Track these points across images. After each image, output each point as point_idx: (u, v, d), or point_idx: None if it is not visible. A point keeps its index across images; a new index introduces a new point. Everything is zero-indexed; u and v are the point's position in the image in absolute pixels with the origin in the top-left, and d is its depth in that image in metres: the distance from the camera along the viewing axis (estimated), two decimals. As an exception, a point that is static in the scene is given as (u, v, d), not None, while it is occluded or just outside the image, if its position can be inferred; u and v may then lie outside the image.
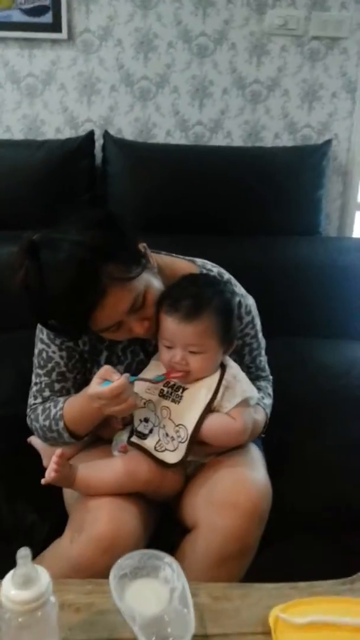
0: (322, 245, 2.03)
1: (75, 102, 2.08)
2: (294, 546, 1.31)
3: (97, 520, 1.13)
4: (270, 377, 1.47)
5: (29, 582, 0.73)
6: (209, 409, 1.19)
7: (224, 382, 1.21)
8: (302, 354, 1.88)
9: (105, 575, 0.92)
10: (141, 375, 1.26)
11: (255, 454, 1.29)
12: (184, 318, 1.16)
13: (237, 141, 2.13)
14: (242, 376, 1.24)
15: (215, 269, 1.37)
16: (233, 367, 1.25)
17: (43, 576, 0.75)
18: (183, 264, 1.36)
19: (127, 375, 1.13)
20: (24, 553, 0.73)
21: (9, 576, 0.75)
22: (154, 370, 1.26)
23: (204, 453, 1.24)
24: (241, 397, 1.20)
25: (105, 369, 1.15)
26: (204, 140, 2.13)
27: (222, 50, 2.05)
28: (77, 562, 1.11)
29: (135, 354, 1.33)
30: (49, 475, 1.13)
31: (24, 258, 1.11)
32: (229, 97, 2.10)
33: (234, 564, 1.16)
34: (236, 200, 1.98)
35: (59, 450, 1.14)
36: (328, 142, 2.06)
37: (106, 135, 2.02)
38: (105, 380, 1.13)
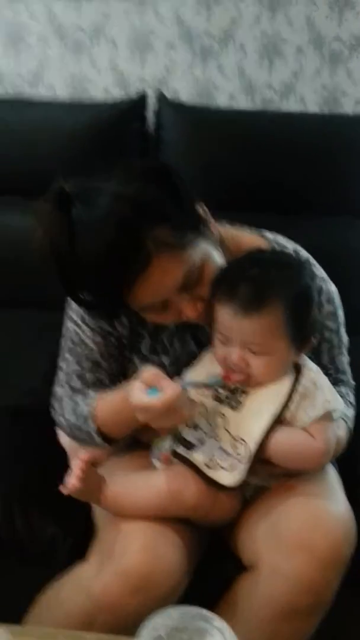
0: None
1: (126, 60, 1.85)
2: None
3: (128, 550, 0.89)
4: (353, 382, 1.19)
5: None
6: (278, 421, 0.94)
7: (299, 388, 0.95)
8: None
9: (136, 620, 0.72)
10: (193, 374, 1.02)
11: (334, 479, 1.02)
12: (241, 309, 0.91)
13: (311, 107, 1.86)
14: (325, 382, 0.98)
15: (290, 245, 1.12)
16: (313, 370, 0.99)
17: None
18: (250, 238, 1.11)
19: (180, 381, 0.89)
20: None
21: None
22: (208, 366, 1.01)
23: (268, 474, 0.98)
24: (323, 410, 0.94)
25: (154, 375, 0.90)
26: (273, 106, 1.87)
27: (299, 3, 1.78)
28: (101, 600, 0.89)
29: (185, 343, 1.09)
30: (71, 484, 0.90)
31: (51, 211, 0.89)
32: (304, 56, 1.82)
33: (303, 620, 0.91)
34: (310, 175, 1.71)
35: (84, 454, 0.91)
36: None
37: (161, 97, 1.79)
38: (152, 388, 0.89)
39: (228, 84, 1.85)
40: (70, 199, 0.89)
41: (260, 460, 0.93)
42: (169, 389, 0.87)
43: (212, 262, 0.96)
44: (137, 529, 0.91)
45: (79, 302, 0.99)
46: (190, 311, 0.94)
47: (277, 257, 1.04)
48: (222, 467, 0.94)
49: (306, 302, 0.96)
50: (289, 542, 0.89)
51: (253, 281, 0.92)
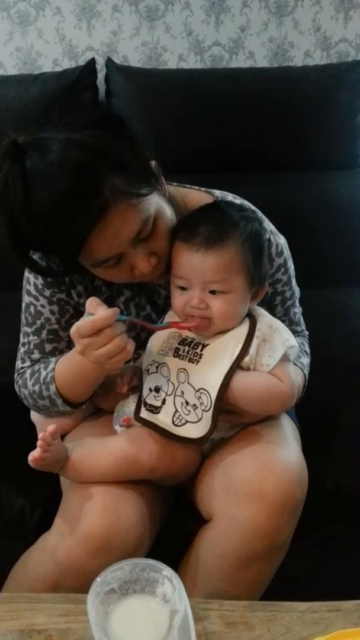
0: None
1: (73, 28, 1.80)
2: (336, 542, 1.05)
3: (89, 514, 0.91)
4: (306, 332, 1.20)
5: None
6: (237, 366, 0.94)
7: (257, 333, 0.96)
8: (340, 306, 1.62)
9: None
10: (155, 338, 1.02)
11: (288, 428, 1.03)
12: (203, 244, 0.91)
13: (261, 62, 1.84)
14: (279, 324, 0.99)
15: (237, 201, 1.11)
16: (266, 316, 1.00)
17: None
18: (198, 195, 1.10)
19: (115, 308, 0.88)
20: None
21: None
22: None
23: (229, 426, 0.99)
24: (284, 349, 0.95)
25: (90, 300, 0.91)
26: (222, 64, 1.84)
27: None
28: (65, 565, 0.90)
29: (141, 308, 1.09)
30: (34, 457, 0.91)
31: (3, 163, 0.87)
32: (250, 10, 1.79)
33: (259, 566, 0.92)
34: (262, 131, 1.70)
35: (51, 427, 0.91)
36: (368, 58, 1.74)
37: (109, 63, 1.75)
38: (90, 314, 0.89)
39: (176, 44, 1.82)
40: (22, 149, 0.86)
41: (225, 409, 0.94)
42: (102, 312, 0.87)
43: (165, 216, 0.95)
44: (97, 493, 0.93)
45: (29, 265, 0.99)
46: (143, 265, 0.93)
47: (231, 204, 1.05)
48: (189, 421, 0.95)
49: (260, 241, 0.98)
50: (242, 491, 0.91)
51: (212, 220, 0.94)
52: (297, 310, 1.19)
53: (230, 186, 1.19)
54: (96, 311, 0.88)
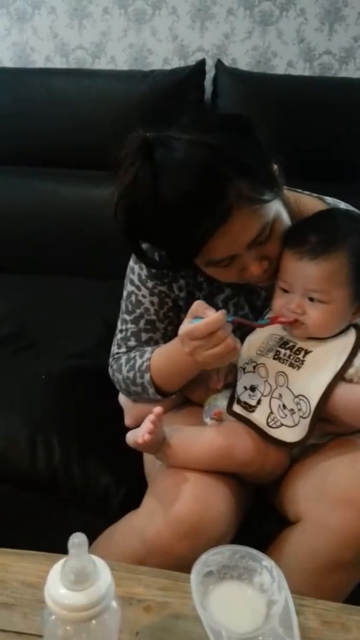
0: None
1: (186, 28, 1.85)
2: None
3: (180, 498, 0.93)
4: None
5: (83, 581, 0.54)
6: (340, 378, 0.95)
7: None
8: None
9: (183, 565, 0.75)
10: (253, 336, 1.04)
11: (380, 438, 1.03)
12: (307, 254, 0.92)
13: (366, 73, 1.82)
14: None
15: (351, 209, 1.11)
16: None
17: (103, 574, 0.56)
18: (311, 201, 1.11)
19: (223, 311, 0.90)
20: (77, 540, 0.54)
21: (57, 567, 0.56)
22: (267, 330, 1.03)
23: (321, 433, 1.00)
24: None
25: (198, 304, 0.93)
26: (332, 72, 1.84)
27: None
28: (153, 544, 0.92)
29: (239, 307, 1.11)
30: (143, 437, 0.93)
31: (134, 159, 0.89)
32: (365, 21, 1.78)
33: (344, 573, 0.92)
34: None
35: (157, 408, 0.94)
36: None
37: (219, 65, 1.78)
38: (197, 318, 0.92)
39: (287, 50, 1.83)
40: (152, 145, 0.88)
41: (320, 418, 0.94)
42: (212, 315, 0.89)
43: (282, 221, 0.96)
44: (190, 479, 0.95)
45: (141, 257, 1.01)
46: (255, 268, 0.94)
47: (348, 213, 1.05)
48: (285, 425, 0.96)
49: None
50: (335, 496, 0.91)
51: (322, 229, 0.94)
52: None
53: (331, 196, 1.18)
54: (205, 314, 0.90)
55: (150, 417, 0.92)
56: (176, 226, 0.89)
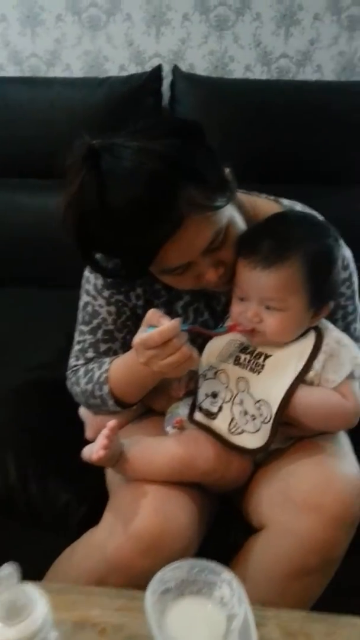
0: None
1: (142, 34, 1.83)
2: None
3: (140, 512, 0.90)
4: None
5: (15, 615, 0.50)
6: (300, 381, 0.93)
7: (324, 347, 0.94)
8: None
9: (146, 580, 0.71)
10: (214, 341, 1.02)
11: (344, 441, 1.02)
12: (261, 262, 0.90)
13: (329, 76, 1.83)
14: (348, 340, 0.97)
15: (307, 211, 1.10)
16: (335, 330, 0.98)
17: (38, 605, 0.52)
18: (267, 204, 1.09)
19: (179, 319, 0.88)
20: (7, 572, 0.50)
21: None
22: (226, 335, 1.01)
23: (284, 437, 0.98)
24: (351, 366, 0.93)
25: (152, 312, 0.91)
26: (289, 76, 1.84)
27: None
28: (113, 561, 0.89)
29: (199, 313, 1.09)
30: (97, 453, 0.90)
31: (79, 168, 0.86)
32: (321, 23, 1.78)
33: (311, 579, 0.90)
34: (328, 145, 1.68)
35: (112, 422, 0.91)
36: None
37: (175, 70, 1.77)
38: (152, 326, 0.89)
39: (244, 54, 1.82)
40: (98, 153, 0.86)
41: (282, 422, 0.92)
42: (166, 323, 0.87)
43: (236, 226, 0.94)
44: (150, 491, 0.92)
45: (95, 267, 0.98)
46: (211, 275, 0.93)
47: (303, 216, 1.03)
48: (246, 431, 0.94)
49: (327, 261, 0.94)
50: (300, 502, 0.89)
51: (276, 236, 0.92)
52: (359, 326, 1.17)
53: (292, 199, 1.17)
54: (159, 323, 0.88)
55: (104, 431, 0.89)
56: (126, 236, 0.86)
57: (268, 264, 0.90)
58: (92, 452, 0.90)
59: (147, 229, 0.84)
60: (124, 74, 1.85)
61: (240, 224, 0.96)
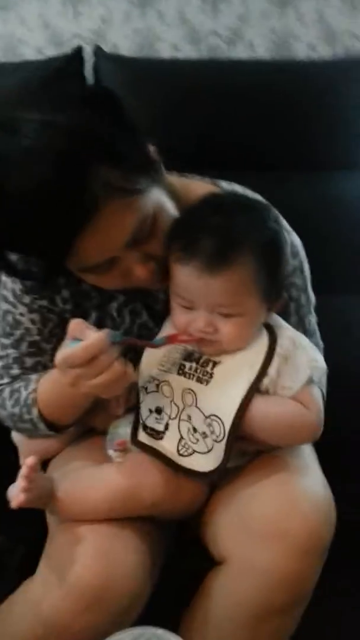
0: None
1: (57, 14, 1.66)
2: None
3: (78, 560, 0.76)
4: (322, 344, 1.07)
5: None
6: (255, 390, 0.80)
7: (278, 350, 0.81)
8: (348, 316, 1.48)
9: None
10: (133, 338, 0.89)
11: (308, 453, 0.90)
12: (206, 267, 0.76)
13: (261, 53, 1.70)
14: (304, 340, 0.85)
15: (248, 193, 0.97)
16: (288, 329, 0.86)
17: None
18: (203, 187, 0.95)
19: (107, 330, 0.74)
20: None
21: None
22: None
23: (240, 453, 0.85)
24: (310, 370, 0.81)
25: (75, 323, 0.77)
26: (219, 54, 1.70)
27: None
28: (50, 621, 0.75)
29: (137, 315, 0.95)
30: (17, 497, 0.75)
31: None
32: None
33: (280, 619, 0.79)
34: (261, 128, 1.55)
35: (30, 459, 0.76)
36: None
37: (98, 51, 1.61)
38: (76, 340, 0.75)
39: (170, 33, 1.67)
40: None
41: (238, 437, 0.80)
42: (92, 335, 0.73)
43: (166, 213, 0.80)
44: (88, 533, 0.78)
45: (8, 269, 0.83)
46: (140, 271, 0.79)
47: (238, 200, 0.88)
48: (197, 452, 0.81)
49: (276, 249, 0.82)
50: (262, 530, 0.77)
51: (216, 231, 0.77)
52: (313, 319, 1.05)
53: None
54: (84, 335, 0.74)
55: (23, 471, 0.74)
56: (30, 229, 0.71)
57: (215, 269, 0.76)
58: (12, 497, 0.74)
59: (56, 219, 0.70)
60: (42, 57, 1.67)
61: (171, 210, 0.82)
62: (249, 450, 0.85)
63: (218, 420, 0.80)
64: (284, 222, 0.98)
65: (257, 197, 0.96)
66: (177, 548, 0.92)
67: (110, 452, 0.89)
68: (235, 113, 1.54)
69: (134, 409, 0.89)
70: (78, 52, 1.60)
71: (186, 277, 0.78)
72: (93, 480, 0.82)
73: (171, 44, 1.69)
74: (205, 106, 1.54)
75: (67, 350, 0.74)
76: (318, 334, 1.07)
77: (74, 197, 0.69)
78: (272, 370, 0.80)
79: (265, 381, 0.80)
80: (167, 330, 0.87)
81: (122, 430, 0.89)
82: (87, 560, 0.75)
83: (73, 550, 0.76)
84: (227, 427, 0.79)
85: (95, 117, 0.72)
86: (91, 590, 0.73)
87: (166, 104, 1.55)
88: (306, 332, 1.02)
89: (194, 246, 0.76)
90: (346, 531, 0.95)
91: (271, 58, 1.69)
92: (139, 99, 1.57)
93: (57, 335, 0.93)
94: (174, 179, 0.93)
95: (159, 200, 0.79)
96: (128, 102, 1.57)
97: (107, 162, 0.70)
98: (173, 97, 1.56)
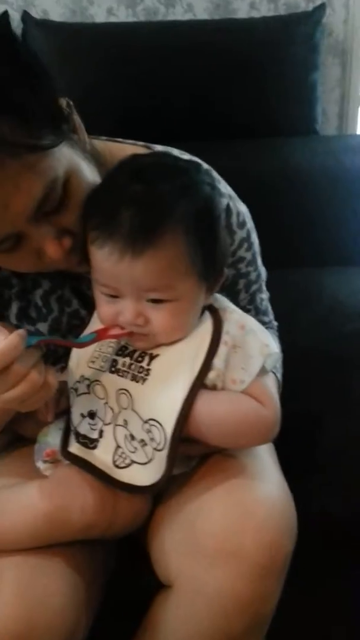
0: (320, 145, 1.49)
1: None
2: (330, 586, 0.80)
3: (-3, 600, 0.62)
4: (275, 323, 0.94)
5: None
6: (199, 387, 0.66)
7: (225, 337, 0.68)
8: (305, 290, 1.35)
9: None
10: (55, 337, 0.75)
11: (265, 449, 0.77)
12: (127, 247, 0.61)
13: (201, 15, 1.55)
14: (254, 323, 0.70)
15: (186, 157, 0.81)
16: (235, 312, 0.71)
17: None
18: (131, 150, 0.79)
19: (20, 332, 0.60)
20: None
21: None
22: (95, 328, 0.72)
23: (185, 457, 0.71)
24: (262, 358, 0.67)
25: None
26: (158, 17, 1.55)
27: None
28: None
29: (65, 302, 0.80)
30: None
31: None
32: None
33: None
34: (204, 92, 1.42)
35: None
36: (320, 8, 1.48)
37: (25, 17, 1.43)
38: None
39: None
40: None
41: (182, 439, 0.66)
42: (2, 340, 0.59)
43: (82, 178, 0.65)
44: (8, 567, 0.64)
45: None
46: (53, 249, 0.64)
47: (162, 162, 0.70)
48: (136, 462, 0.68)
49: (211, 217, 0.67)
50: (212, 548, 0.64)
51: (135, 202, 0.62)
52: (265, 296, 0.93)
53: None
54: None
55: None
56: None
57: (138, 248, 0.61)
58: None
59: None
60: None
61: (89, 176, 0.67)
62: (193, 453, 0.71)
63: (157, 425, 0.66)
64: (228, 189, 0.85)
65: (198, 161, 0.81)
66: (126, 561, 0.79)
67: (39, 463, 0.75)
68: (175, 78, 1.40)
69: (66, 413, 0.75)
70: (3, 18, 1.42)
71: (105, 260, 0.63)
72: (11, 502, 0.68)
73: (106, 9, 1.53)
74: (141, 73, 1.39)
75: None
76: (271, 312, 0.94)
77: None
78: (218, 361, 0.67)
79: (211, 375, 0.67)
80: (97, 322, 0.73)
81: (51, 438, 0.75)
82: (6, 600, 0.61)
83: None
84: (169, 433, 0.65)
85: None
86: (14, 636, 0.59)
87: (101, 70, 1.40)
88: (257, 310, 0.90)
89: (110, 223, 0.62)
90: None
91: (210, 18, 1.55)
92: (71, 68, 1.42)
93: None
94: (99, 142, 0.78)
95: (72, 161, 0.64)
96: (59, 71, 1.42)
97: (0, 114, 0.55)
98: (109, 64, 1.40)
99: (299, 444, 0.94)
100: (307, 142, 1.50)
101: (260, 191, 1.39)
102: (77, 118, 0.68)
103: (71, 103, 0.67)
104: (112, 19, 1.53)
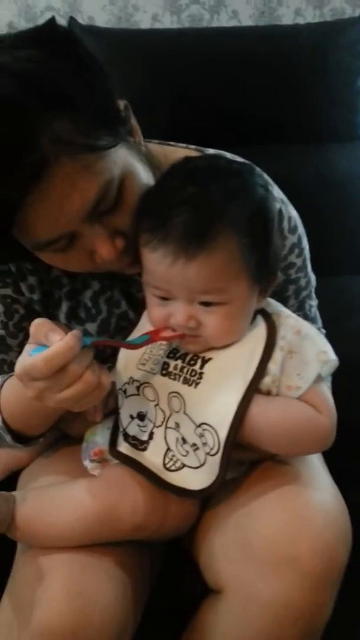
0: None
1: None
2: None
3: (45, 598, 0.60)
4: (324, 330, 0.90)
5: None
6: (254, 392, 0.64)
7: (281, 342, 0.65)
8: (347, 297, 1.30)
9: None
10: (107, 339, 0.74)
11: (316, 458, 0.74)
12: (181, 251, 0.60)
13: (246, 21, 1.54)
14: (310, 328, 0.67)
15: (238, 160, 0.79)
16: (291, 317, 0.68)
17: None
18: (184, 153, 0.77)
19: (76, 332, 0.58)
20: None
21: None
22: (148, 329, 0.70)
23: (237, 462, 0.68)
24: (319, 364, 0.64)
25: (37, 325, 0.61)
26: (202, 24, 1.54)
27: None
28: None
29: (114, 304, 0.79)
30: None
31: None
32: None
33: None
34: (248, 99, 1.39)
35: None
36: (366, 15, 1.46)
37: (72, 23, 1.43)
38: (39, 346, 0.59)
39: (149, 2, 1.52)
40: None
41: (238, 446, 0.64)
42: (57, 342, 0.57)
43: (136, 180, 0.63)
44: (58, 564, 0.62)
45: None
46: (105, 250, 0.63)
47: (215, 164, 0.68)
48: (187, 466, 0.65)
49: (265, 219, 0.64)
50: (265, 556, 0.61)
51: (190, 206, 0.60)
52: (314, 303, 0.89)
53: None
54: (48, 340, 0.58)
55: None
56: None
57: (191, 251, 0.59)
58: None
59: None
60: (14, 31, 1.50)
61: (144, 178, 0.65)
62: (245, 458, 0.69)
63: (211, 430, 0.63)
64: (280, 193, 0.82)
65: (246, 162, 0.79)
66: (170, 567, 0.77)
67: (86, 462, 0.73)
68: (220, 86, 1.38)
69: (114, 413, 0.73)
70: (51, 23, 1.44)
71: (157, 263, 0.61)
72: (62, 499, 0.66)
73: (151, 15, 1.53)
74: (187, 79, 1.38)
75: (27, 360, 0.58)
76: (320, 319, 0.91)
77: (16, 153, 0.53)
78: (273, 366, 0.64)
79: (266, 380, 0.64)
80: (146, 324, 0.72)
81: (99, 437, 0.73)
82: (55, 599, 0.59)
83: (40, 585, 0.61)
84: (222, 438, 0.63)
85: (49, 58, 0.56)
86: (61, 633, 0.58)
87: (146, 76, 1.39)
88: (306, 317, 0.87)
89: (164, 226, 0.60)
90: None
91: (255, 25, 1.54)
92: (117, 73, 1.41)
93: (25, 329, 0.76)
94: (153, 145, 0.77)
95: (128, 163, 0.62)
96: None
97: (57, 112, 0.54)
98: (154, 70, 1.40)
99: (344, 456, 0.91)
100: (350, 149, 1.47)
101: (303, 197, 1.37)
102: (134, 121, 0.67)
103: (129, 106, 0.66)
104: (157, 26, 1.53)
